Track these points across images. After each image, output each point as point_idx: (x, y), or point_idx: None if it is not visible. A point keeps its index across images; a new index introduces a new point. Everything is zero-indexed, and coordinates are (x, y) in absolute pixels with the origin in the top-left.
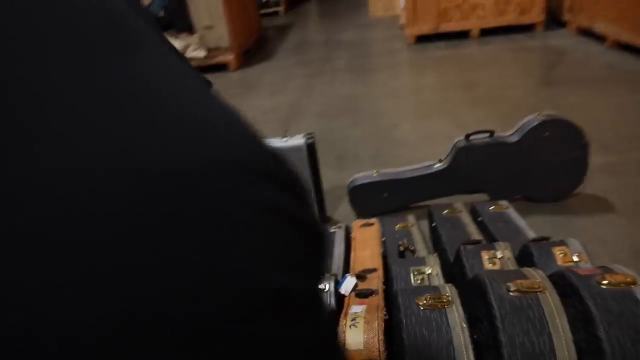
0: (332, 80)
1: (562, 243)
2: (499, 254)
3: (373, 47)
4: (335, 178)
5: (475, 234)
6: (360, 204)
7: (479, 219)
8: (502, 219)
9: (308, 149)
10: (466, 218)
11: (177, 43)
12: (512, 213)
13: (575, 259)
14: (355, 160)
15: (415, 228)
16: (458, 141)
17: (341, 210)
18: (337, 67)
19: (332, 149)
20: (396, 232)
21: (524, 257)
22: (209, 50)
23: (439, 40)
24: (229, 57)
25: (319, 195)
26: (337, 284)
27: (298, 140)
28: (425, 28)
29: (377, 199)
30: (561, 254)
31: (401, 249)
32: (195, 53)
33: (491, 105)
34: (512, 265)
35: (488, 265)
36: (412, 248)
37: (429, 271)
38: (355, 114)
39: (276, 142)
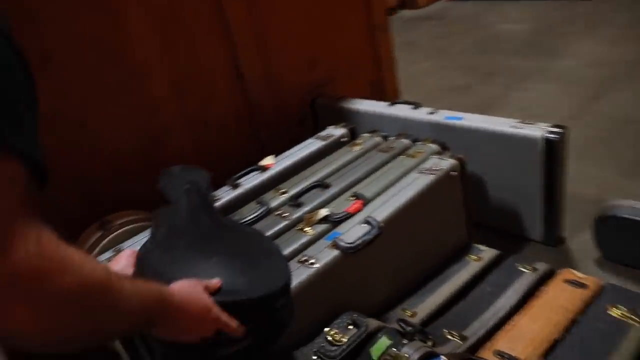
0: None
1: None
2: None
3: None
4: (618, 184)
5: None
6: (608, 242)
7: None
8: None
9: (547, 147)
10: None
11: None
12: None
13: None
14: None
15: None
16: None
17: (588, 235)
18: None
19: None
20: (606, 319)
21: None
22: None
23: None
24: None
25: (552, 208)
26: None
27: (535, 130)
28: None
29: (636, 245)
30: None
31: None
32: None
33: None
34: None
35: None
36: None
37: None
38: None
39: (505, 126)
